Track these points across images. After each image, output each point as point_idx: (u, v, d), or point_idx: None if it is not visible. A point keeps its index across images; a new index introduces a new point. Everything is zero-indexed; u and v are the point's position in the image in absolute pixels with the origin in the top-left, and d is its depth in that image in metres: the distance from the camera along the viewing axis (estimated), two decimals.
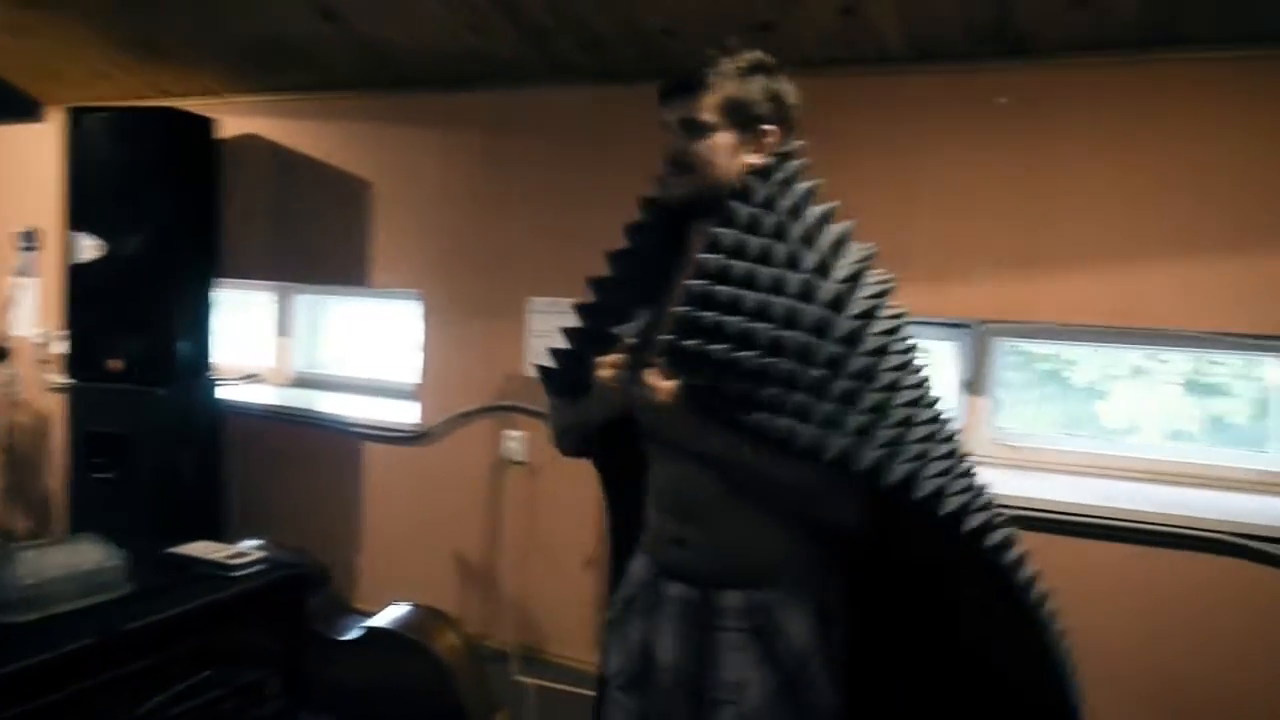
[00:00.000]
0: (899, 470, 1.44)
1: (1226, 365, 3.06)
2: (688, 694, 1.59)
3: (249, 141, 4.17)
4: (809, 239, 1.53)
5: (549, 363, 1.80)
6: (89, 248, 3.60)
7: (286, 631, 2.63)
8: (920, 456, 1.48)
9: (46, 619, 2.17)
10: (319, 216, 4.06)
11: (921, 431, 1.51)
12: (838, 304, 1.48)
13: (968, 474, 1.57)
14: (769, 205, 1.54)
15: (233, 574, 2.53)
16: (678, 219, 1.67)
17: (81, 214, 3.63)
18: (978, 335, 3.15)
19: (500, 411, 3.70)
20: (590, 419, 1.76)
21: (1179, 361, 3.09)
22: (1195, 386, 3.09)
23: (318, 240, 4.07)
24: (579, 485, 3.54)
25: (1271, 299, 2.66)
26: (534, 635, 3.68)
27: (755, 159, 1.59)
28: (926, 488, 1.46)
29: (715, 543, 1.60)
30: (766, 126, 1.60)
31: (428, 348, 3.87)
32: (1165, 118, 2.74)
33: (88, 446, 3.62)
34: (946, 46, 2.87)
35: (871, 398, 1.45)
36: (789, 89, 1.65)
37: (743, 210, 1.54)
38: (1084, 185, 2.83)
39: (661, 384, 1.51)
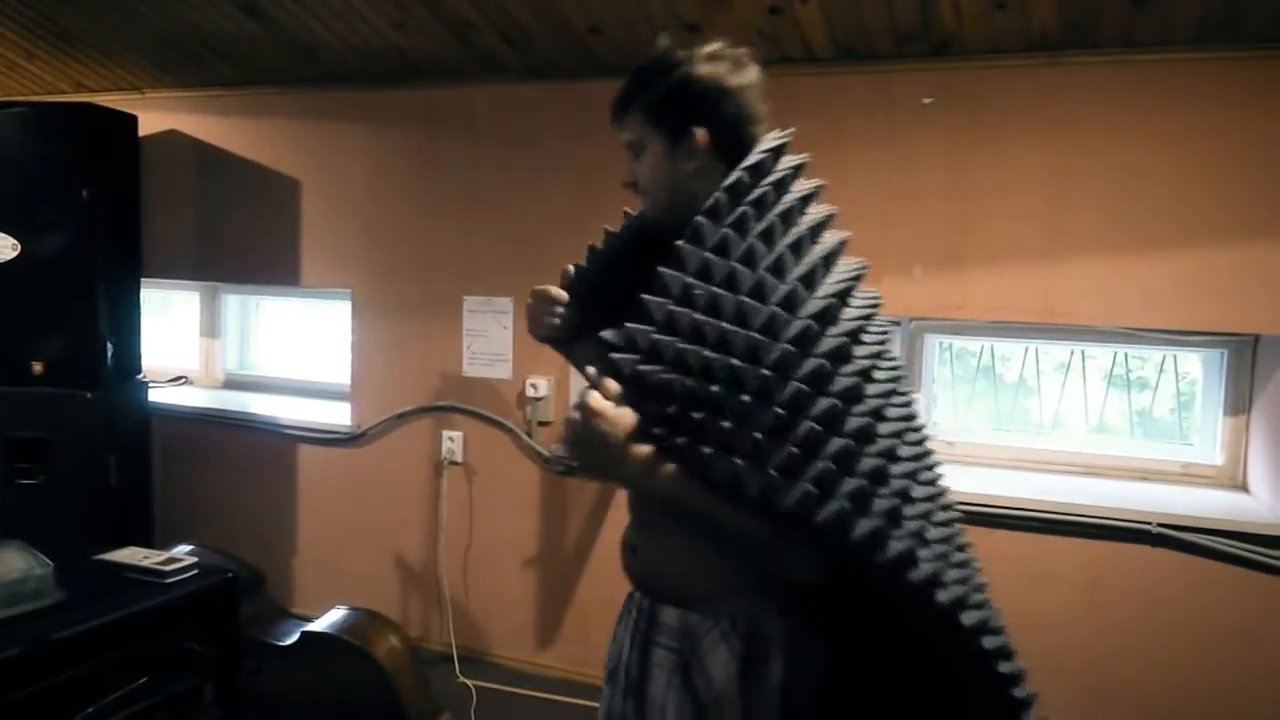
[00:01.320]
0: (894, 547, 1.27)
1: (1148, 360, 3.18)
2: (635, 701, 1.57)
3: (172, 138, 4.07)
4: (780, 269, 1.34)
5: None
6: (4, 247, 3.49)
7: (221, 638, 2.57)
8: (937, 552, 1.32)
9: None
10: (246, 214, 3.98)
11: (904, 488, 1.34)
12: (803, 341, 1.30)
13: (969, 565, 1.42)
14: (739, 227, 1.34)
15: (165, 580, 2.46)
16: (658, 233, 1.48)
17: None
18: (909, 332, 3.22)
19: (438, 412, 3.68)
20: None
21: (1103, 357, 3.19)
22: (1119, 381, 3.19)
23: (245, 238, 4.00)
24: (518, 485, 3.57)
25: (1188, 295, 2.76)
26: (475, 637, 3.67)
27: (689, 165, 1.43)
28: (940, 586, 1.31)
29: (658, 556, 1.53)
30: (696, 129, 1.41)
31: (358, 347, 3.83)
32: (1084, 119, 2.83)
33: (10, 452, 3.52)
34: (872, 47, 2.93)
35: (837, 443, 1.27)
36: (710, 74, 1.44)
37: (705, 231, 1.34)
38: (1008, 184, 2.91)
39: (603, 404, 1.30)
